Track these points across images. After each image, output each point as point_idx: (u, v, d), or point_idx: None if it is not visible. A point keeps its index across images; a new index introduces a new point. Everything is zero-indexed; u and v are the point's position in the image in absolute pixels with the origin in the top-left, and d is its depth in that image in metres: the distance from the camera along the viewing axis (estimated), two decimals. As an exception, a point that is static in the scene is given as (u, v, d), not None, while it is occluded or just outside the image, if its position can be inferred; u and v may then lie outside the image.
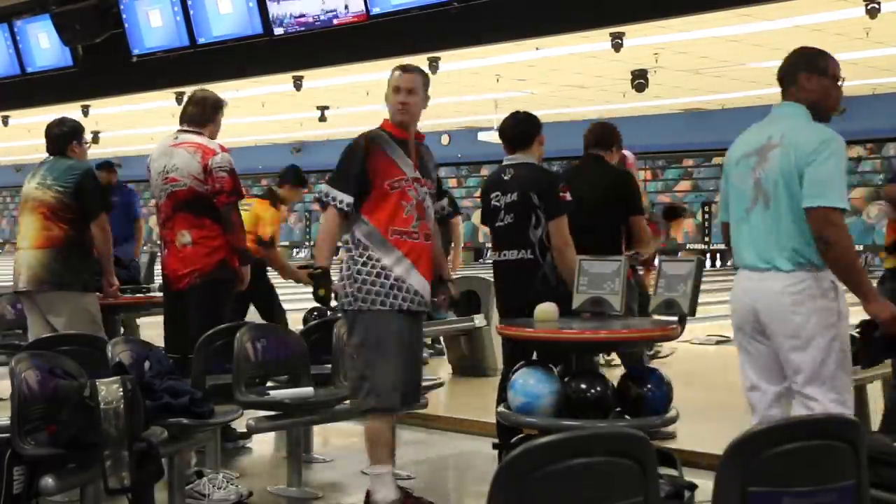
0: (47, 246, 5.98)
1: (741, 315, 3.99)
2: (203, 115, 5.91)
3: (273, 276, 7.34)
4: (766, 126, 4.01)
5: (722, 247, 22.17)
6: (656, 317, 4.66)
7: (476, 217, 25.68)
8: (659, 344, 8.50)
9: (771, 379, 3.97)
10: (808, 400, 3.83)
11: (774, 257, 3.84)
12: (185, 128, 5.89)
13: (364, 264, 4.59)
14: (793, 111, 3.96)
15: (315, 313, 7.17)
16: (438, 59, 10.48)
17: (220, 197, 5.76)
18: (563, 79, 15.70)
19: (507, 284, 5.13)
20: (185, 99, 6.15)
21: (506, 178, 5.12)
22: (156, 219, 6.07)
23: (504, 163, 5.20)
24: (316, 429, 6.20)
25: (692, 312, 4.48)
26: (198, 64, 10.71)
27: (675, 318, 4.52)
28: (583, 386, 4.43)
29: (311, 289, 4.74)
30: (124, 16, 10.71)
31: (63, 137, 6.21)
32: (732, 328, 4.10)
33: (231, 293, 5.87)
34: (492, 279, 5.40)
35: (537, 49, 11.95)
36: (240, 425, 5.60)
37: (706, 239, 22.44)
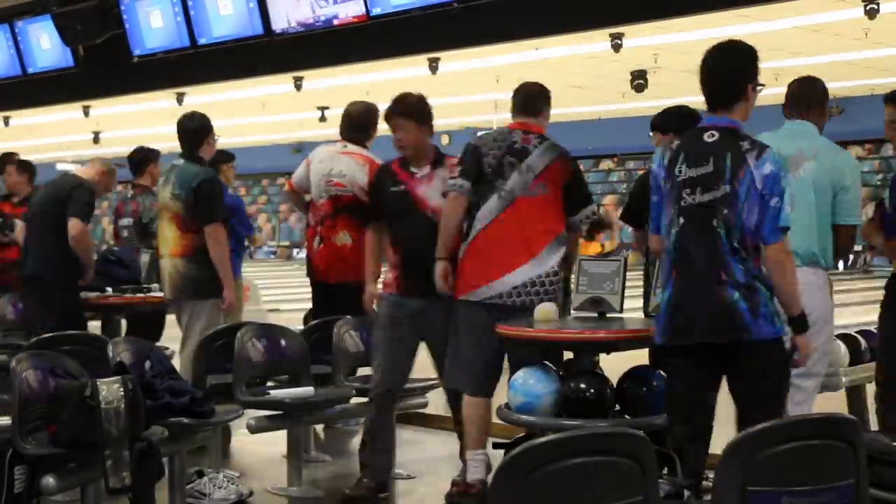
0: (182, 255, 6.03)
1: None
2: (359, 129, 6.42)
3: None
4: (792, 138, 4.61)
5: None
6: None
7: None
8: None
9: None
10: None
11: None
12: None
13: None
14: (814, 130, 4.76)
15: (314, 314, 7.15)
16: (438, 59, 10.48)
17: None
18: (563, 79, 15.69)
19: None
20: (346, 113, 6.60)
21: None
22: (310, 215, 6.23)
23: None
24: (315, 429, 6.21)
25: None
26: (198, 64, 10.69)
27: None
28: (582, 386, 4.43)
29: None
30: (125, 16, 10.70)
31: (196, 134, 6.18)
32: None
33: None
34: None
35: (537, 49, 11.95)
36: (240, 425, 5.60)
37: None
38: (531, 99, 4.95)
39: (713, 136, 3.82)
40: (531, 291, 4.72)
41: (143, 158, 7.58)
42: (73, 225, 6.44)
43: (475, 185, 4.78)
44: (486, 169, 4.76)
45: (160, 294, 7.10)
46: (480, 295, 4.74)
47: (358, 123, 6.50)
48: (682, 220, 3.80)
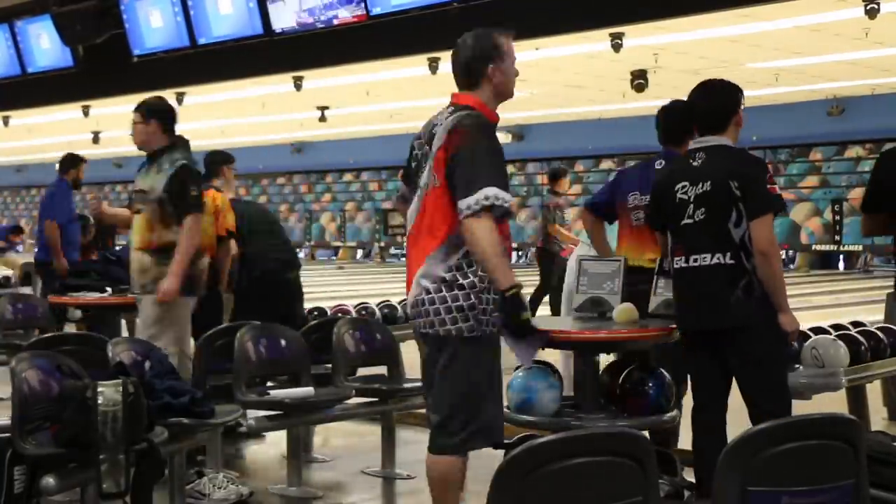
0: None
1: None
2: None
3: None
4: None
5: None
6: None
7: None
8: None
9: None
10: None
11: None
12: None
13: (480, 280, 3.81)
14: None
15: (315, 313, 7.16)
16: (438, 59, 10.47)
17: None
18: (563, 79, 15.69)
19: (700, 298, 4.16)
20: None
21: (695, 164, 4.19)
22: None
23: (691, 146, 4.29)
24: (316, 429, 6.21)
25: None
26: (198, 64, 10.71)
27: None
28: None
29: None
30: (125, 16, 10.72)
31: None
32: None
33: None
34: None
35: (537, 49, 11.94)
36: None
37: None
38: (471, 61, 3.97)
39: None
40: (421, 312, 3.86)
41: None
42: None
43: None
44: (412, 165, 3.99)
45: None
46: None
47: None
48: None
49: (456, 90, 4.00)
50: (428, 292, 3.79)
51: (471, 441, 3.96)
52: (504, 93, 3.98)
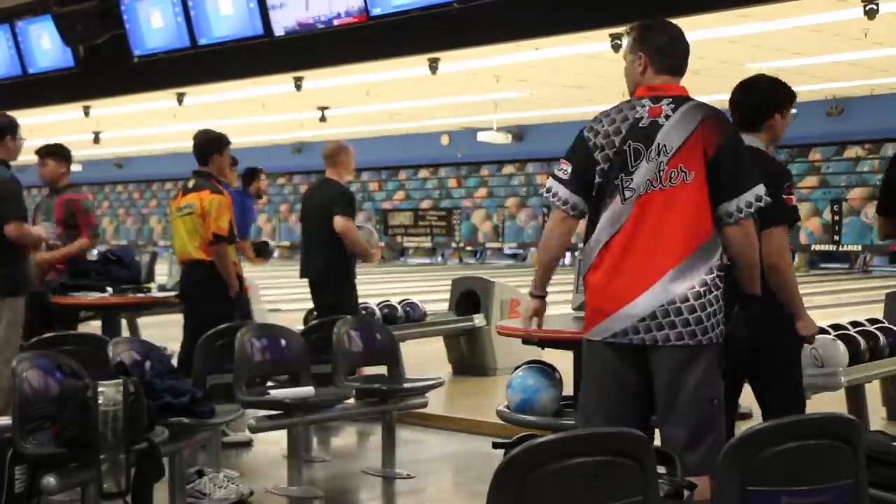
0: None
1: None
2: None
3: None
4: None
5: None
6: None
7: (476, 217, 25.69)
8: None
9: None
10: None
11: None
12: None
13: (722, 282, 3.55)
14: None
15: (315, 313, 7.17)
16: (438, 59, 10.47)
17: None
18: (563, 79, 15.69)
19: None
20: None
21: None
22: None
23: None
24: (316, 428, 6.21)
25: None
26: (199, 64, 10.70)
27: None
28: None
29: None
30: (125, 16, 10.71)
31: None
32: None
33: None
34: (491, 279, 5.26)
35: (537, 49, 11.94)
36: (240, 425, 5.61)
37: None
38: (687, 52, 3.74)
39: None
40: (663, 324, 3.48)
41: None
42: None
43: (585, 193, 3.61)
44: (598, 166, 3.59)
45: (160, 294, 7.12)
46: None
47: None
48: None
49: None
50: (685, 300, 3.43)
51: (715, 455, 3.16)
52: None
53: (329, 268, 6.83)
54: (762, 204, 3.49)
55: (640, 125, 3.53)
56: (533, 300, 3.73)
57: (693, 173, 3.46)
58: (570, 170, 3.63)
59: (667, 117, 3.50)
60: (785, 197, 3.89)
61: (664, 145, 3.47)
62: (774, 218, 3.80)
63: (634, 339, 3.46)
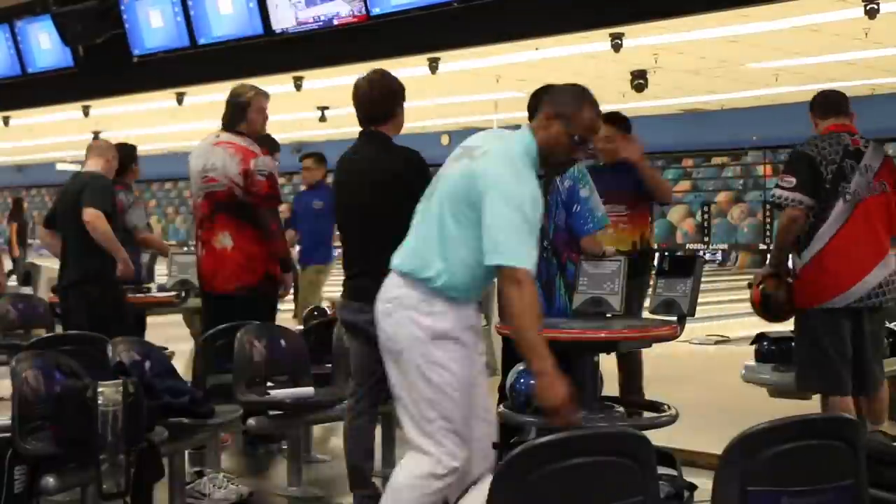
0: None
1: None
2: (232, 116, 5.84)
3: None
4: None
5: (724, 247, 22.19)
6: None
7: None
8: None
9: None
10: None
11: None
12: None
13: None
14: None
15: (315, 313, 7.17)
16: (438, 59, 10.47)
17: (256, 201, 5.69)
18: (563, 79, 15.52)
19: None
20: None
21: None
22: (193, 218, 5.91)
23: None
24: (316, 428, 6.20)
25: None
26: (198, 64, 10.70)
27: (674, 318, 4.54)
28: None
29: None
30: (125, 16, 10.71)
31: None
32: None
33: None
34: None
35: (537, 49, 11.93)
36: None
37: (706, 239, 22.43)
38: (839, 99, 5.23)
39: None
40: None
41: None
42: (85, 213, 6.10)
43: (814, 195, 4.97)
44: (826, 175, 4.96)
45: (160, 294, 7.10)
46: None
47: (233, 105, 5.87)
48: None
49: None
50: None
51: None
52: None
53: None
54: None
55: (849, 148, 5.00)
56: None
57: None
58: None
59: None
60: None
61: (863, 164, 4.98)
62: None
63: (868, 303, 4.95)
